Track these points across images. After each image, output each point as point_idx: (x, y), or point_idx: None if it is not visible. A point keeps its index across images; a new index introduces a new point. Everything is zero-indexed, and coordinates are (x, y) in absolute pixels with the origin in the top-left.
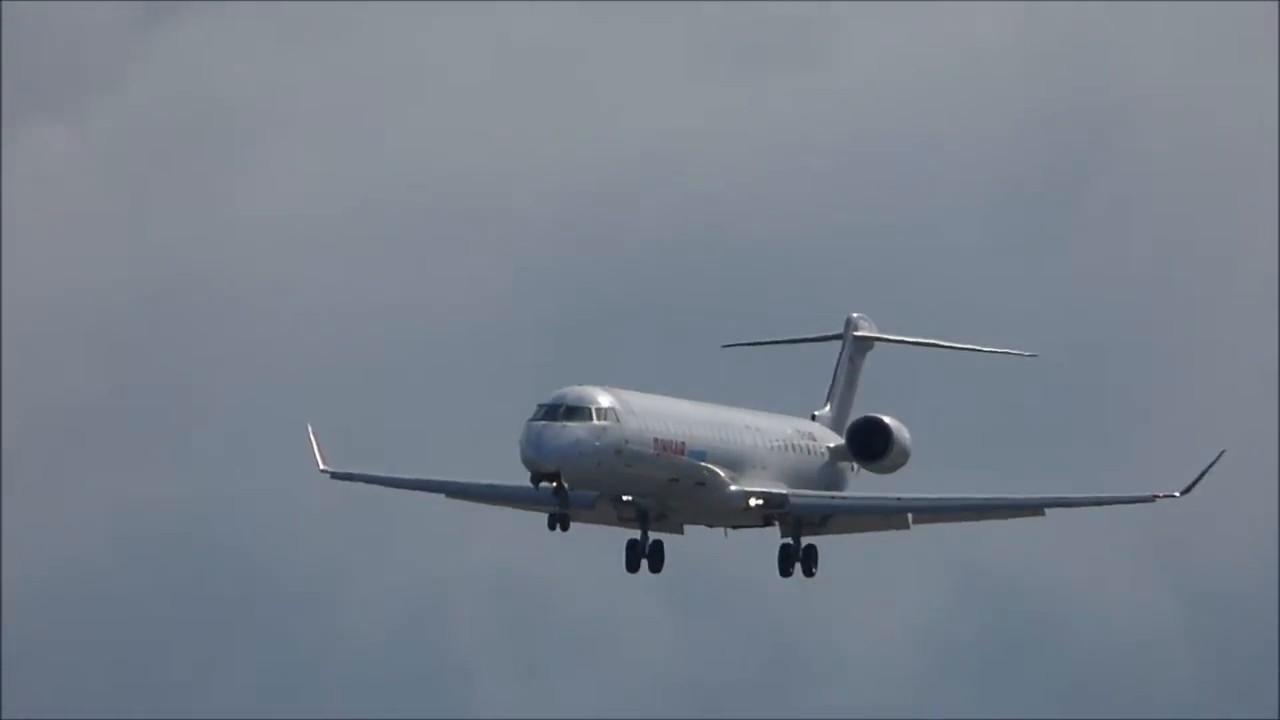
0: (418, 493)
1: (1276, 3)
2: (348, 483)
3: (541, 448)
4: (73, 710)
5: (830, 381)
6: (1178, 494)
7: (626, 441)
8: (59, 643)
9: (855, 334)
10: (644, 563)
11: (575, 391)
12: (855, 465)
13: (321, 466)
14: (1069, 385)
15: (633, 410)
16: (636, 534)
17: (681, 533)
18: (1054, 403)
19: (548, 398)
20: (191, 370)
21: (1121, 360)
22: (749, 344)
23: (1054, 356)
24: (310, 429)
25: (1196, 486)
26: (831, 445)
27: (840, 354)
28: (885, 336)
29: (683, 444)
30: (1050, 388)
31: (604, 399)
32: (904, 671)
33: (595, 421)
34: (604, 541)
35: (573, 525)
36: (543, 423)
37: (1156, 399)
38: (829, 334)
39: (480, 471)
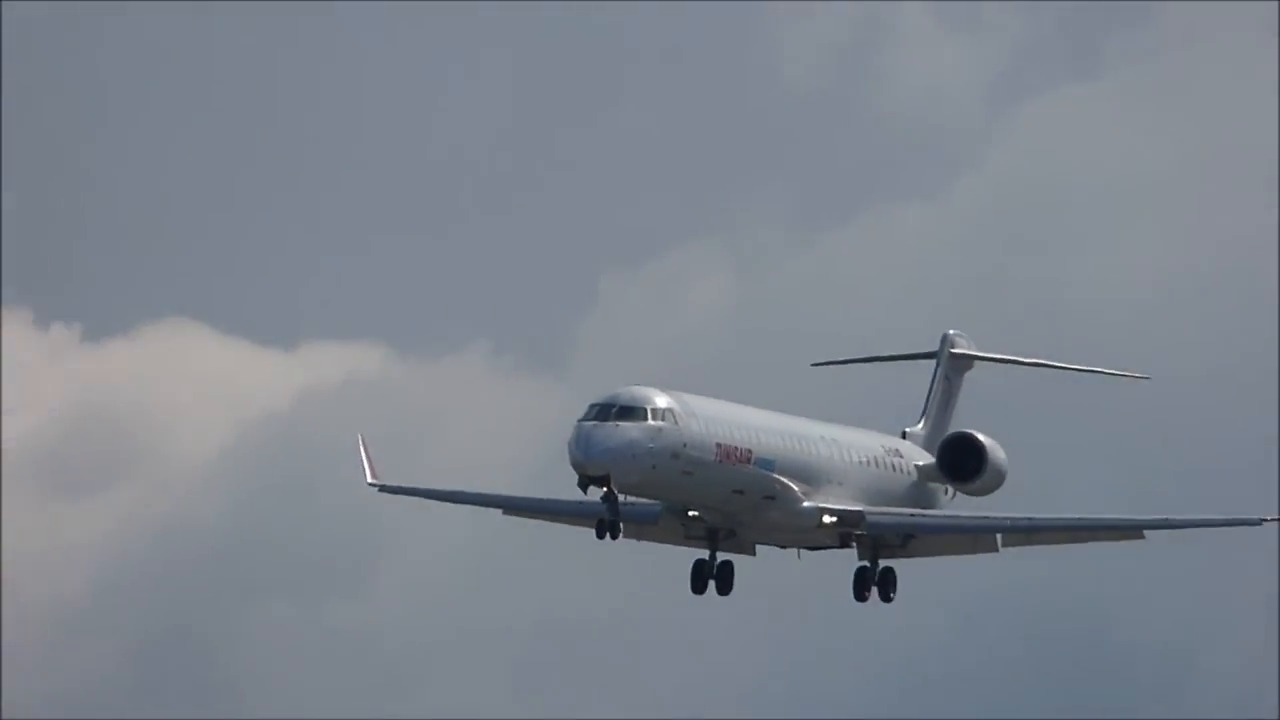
0: (471, 507)
1: (1277, 2)
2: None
3: (590, 449)
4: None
5: (925, 400)
6: None
7: (685, 445)
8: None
9: (952, 351)
10: (711, 584)
11: (630, 391)
12: (948, 488)
13: (370, 479)
14: (1182, 409)
15: (694, 413)
16: (705, 553)
17: (753, 553)
18: (1165, 428)
19: (600, 397)
20: None
21: (1239, 385)
22: (839, 362)
23: (1167, 379)
24: (361, 439)
25: None
26: (920, 464)
27: (935, 372)
28: (984, 355)
29: (749, 452)
30: (1163, 412)
31: (661, 399)
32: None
33: (650, 422)
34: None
35: (638, 543)
36: (593, 423)
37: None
38: (924, 351)
39: (537, 486)
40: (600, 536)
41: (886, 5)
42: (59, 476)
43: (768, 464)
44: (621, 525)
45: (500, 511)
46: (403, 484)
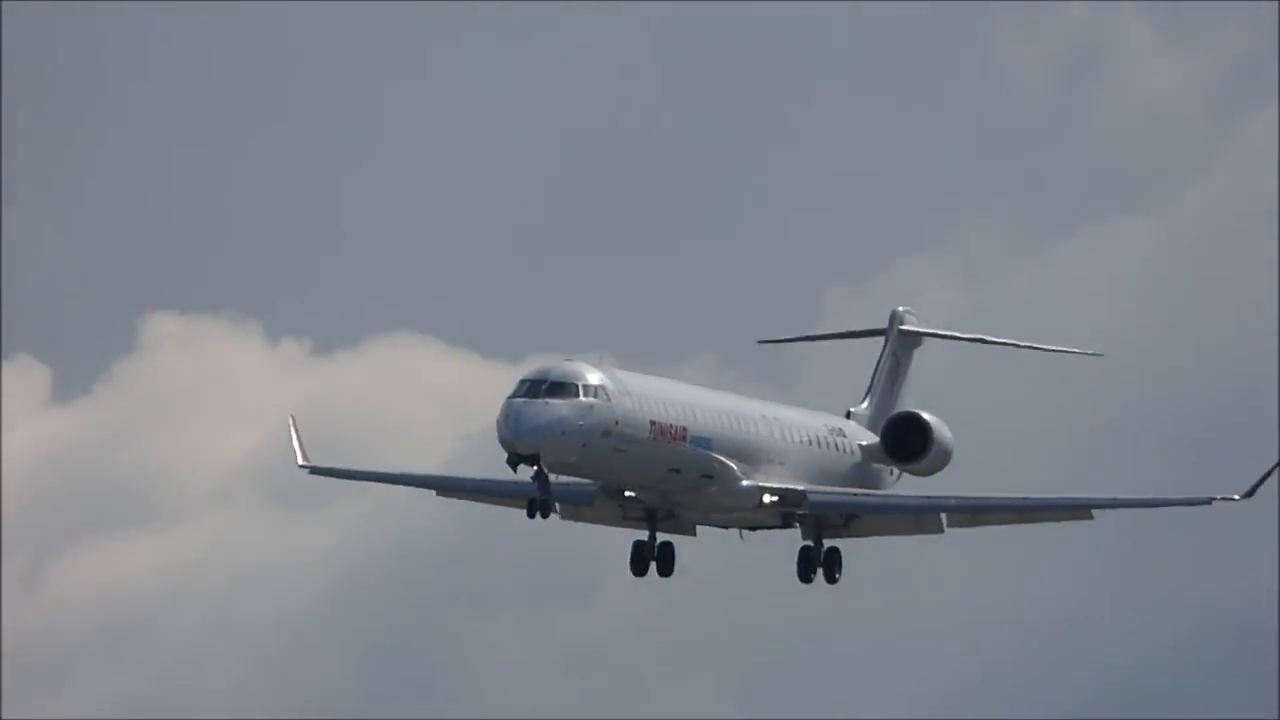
0: (405, 489)
1: (1277, 2)
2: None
3: (519, 426)
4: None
5: (870, 379)
6: (1237, 497)
7: (617, 423)
8: None
9: (900, 328)
10: (652, 565)
11: (561, 367)
12: (895, 469)
13: (300, 461)
14: (1136, 387)
15: (628, 390)
16: (644, 535)
17: (694, 534)
18: (1118, 406)
19: (531, 372)
20: None
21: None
22: (786, 340)
23: (1120, 356)
24: (292, 420)
25: (1260, 489)
26: (864, 443)
27: (883, 350)
28: (934, 332)
29: (684, 429)
30: (1116, 390)
31: (594, 376)
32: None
33: (581, 399)
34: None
35: (575, 525)
36: (523, 400)
37: (1225, 402)
38: (872, 329)
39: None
40: (531, 516)
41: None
42: (285, 491)
43: (704, 442)
44: (554, 505)
45: (434, 493)
46: (333, 465)
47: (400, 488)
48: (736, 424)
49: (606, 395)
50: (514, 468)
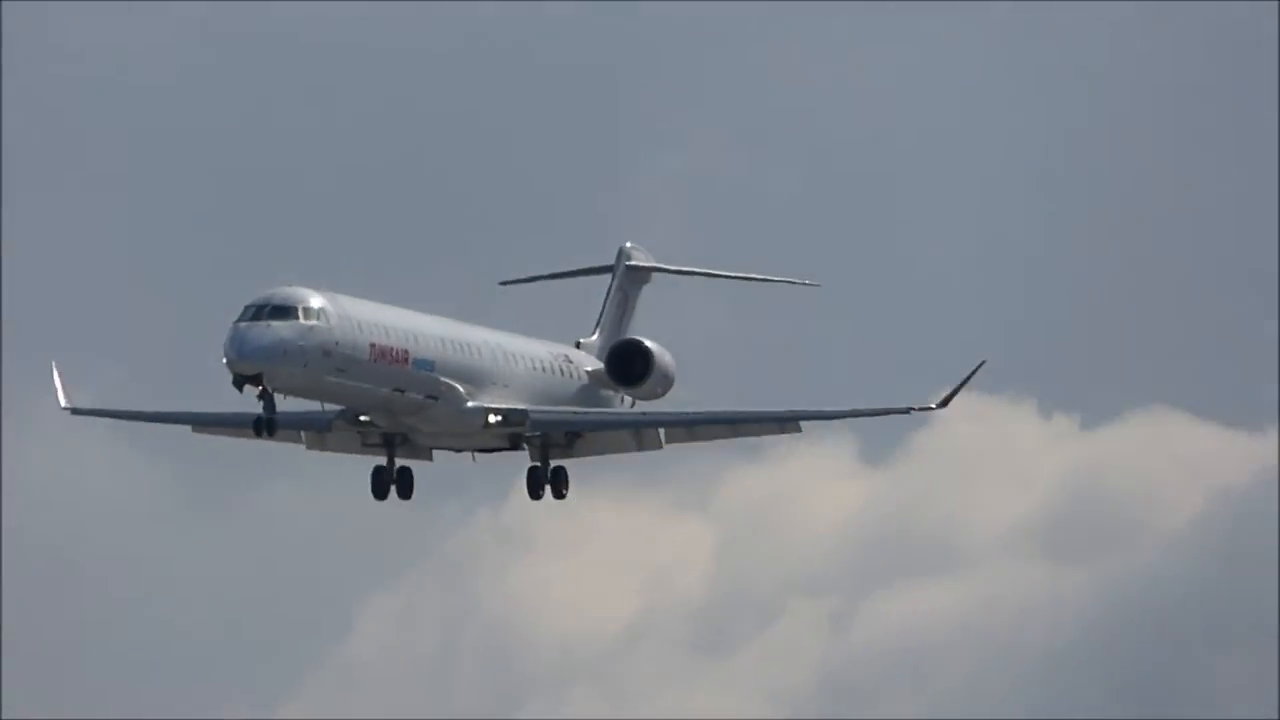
0: (163, 426)
1: (1276, 2)
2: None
3: (242, 348)
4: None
5: (599, 312)
6: (934, 406)
7: (337, 344)
8: None
9: (627, 264)
10: (393, 490)
11: (284, 291)
12: (624, 396)
13: (63, 404)
14: (852, 314)
15: (348, 314)
16: (383, 460)
17: (430, 459)
18: (837, 333)
19: (255, 298)
20: None
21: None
22: (525, 280)
23: (837, 286)
24: (54, 365)
25: (955, 399)
26: (590, 369)
27: (610, 284)
28: (660, 266)
29: (405, 352)
30: (835, 318)
31: (316, 300)
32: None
33: (302, 321)
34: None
35: (314, 454)
36: (246, 323)
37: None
38: (600, 265)
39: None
40: (258, 434)
41: None
42: (1058, 545)
43: (427, 364)
44: (278, 423)
45: (189, 429)
46: (97, 406)
47: None
48: (460, 349)
49: (327, 318)
50: (239, 388)
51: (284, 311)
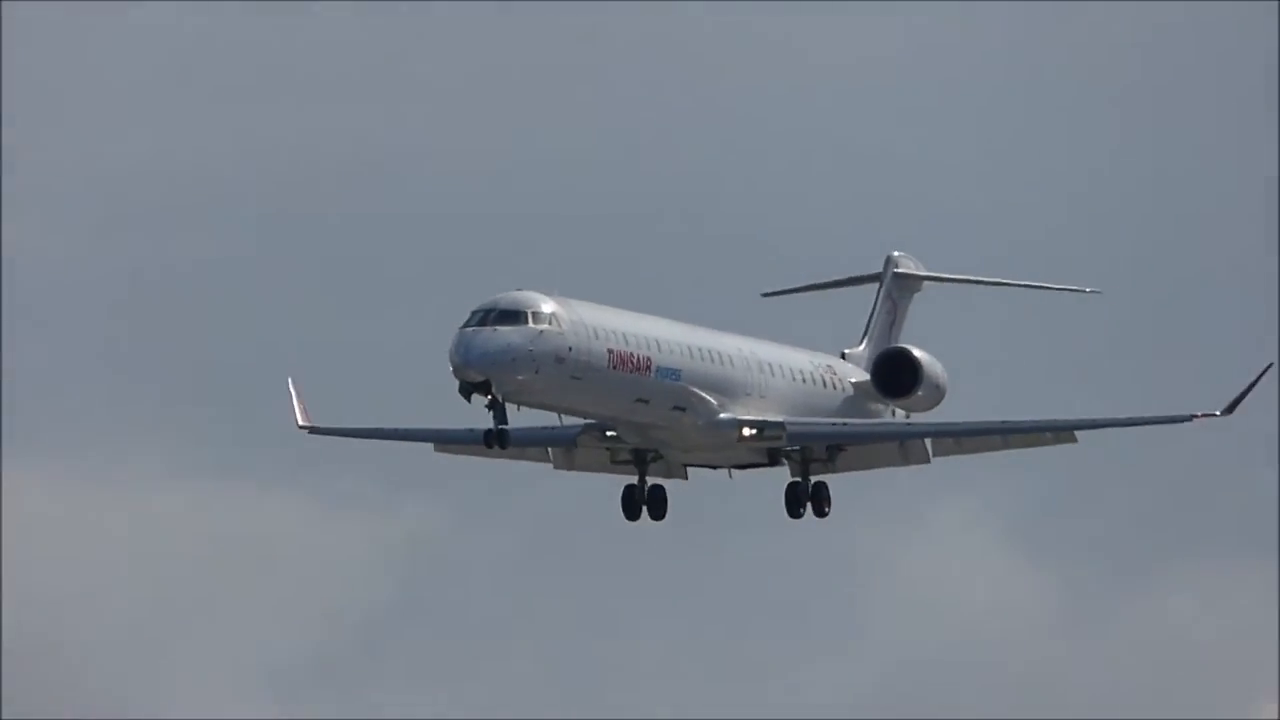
0: (403, 444)
1: (1276, 2)
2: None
3: (468, 354)
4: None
5: (866, 321)
6: (1218, 413)
7: (570, 349)
8: None
9: (895, 271)
10: (645, 511)
11: (511, 295)
12: (894, 408)
13: (301, 422)
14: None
15: (583, 320)
16: (634, 479)
17: (685, 477)
18: (1115, 342)
19: (482, 302)
20: None
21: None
22: (788, 291)
23: (1118, 293)
24: (290, 382)
25: (1241, 404)
26: (855, 380)
27: (878, 293)
28: (928, 274)
29: (648, 360)
30: (1113, 326)
31: (547, 305)
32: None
33: (531, 326)
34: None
35: (564, 474)
36: (473, 328)
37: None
38: (868, 274)
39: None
40: (488, 446)
41: None
42: None
43: (672, 374)
44: (509, 436)
45: (432, 447)
46: (332, 425)
47: None
48: (709, 357)
49: (558, 323)
50: (467, 397)
51: (513, 316)
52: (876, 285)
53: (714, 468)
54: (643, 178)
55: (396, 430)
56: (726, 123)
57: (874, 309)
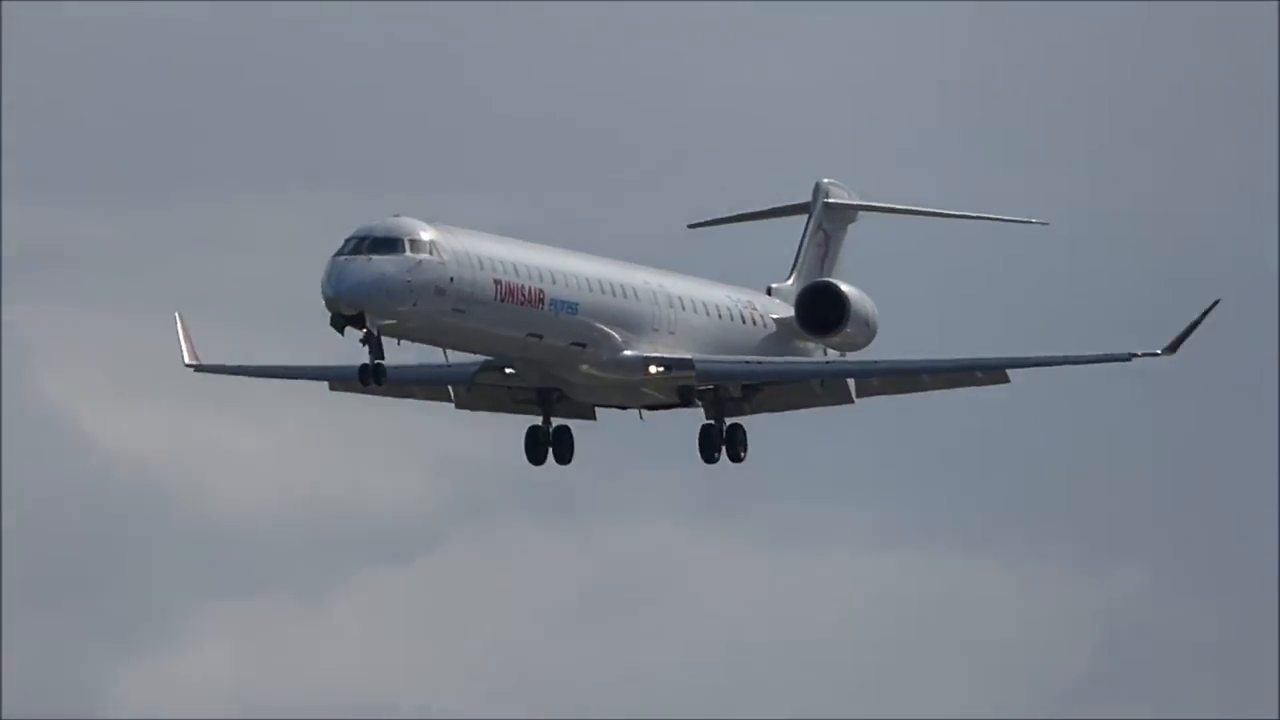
0: (296, 382)
1: (1276, 2)
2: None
3: (340, 284)
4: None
5: (795, 255)
6: (1159, 352)
7: (452, 280)
8: None
9: (826, 201)
10: (550, 453)
11: (388, 222)
12: (823, 347)
13: (188, 360)
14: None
15: (467, 249)
16: (538, 419)
17: (593, 417)
18: (1060, 277)
19: (356, 229)
20: None
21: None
22: (714, 222)
23: (1064, 225)
24: (179, 317)
25: (1185, 343)
26: (778, 316)
27: (807, 224)
28: (863, 204)
29: (540, 292)
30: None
31: (426, 232)
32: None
33: (409, 254)
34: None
35: (464, 413)
36: (345, 256)
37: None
38: (795, 204)
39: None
40: (364, 383)
41: None
42: None
43: (568, 307)
44: (385, 370)
45: (326, 386)
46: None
47: None
48: (610, 289)
49: (438, 251)
50: (340, 330)
51: (388, 244)
52: (806, 216)
53: (624, 408)
54: (564, 97)
55: (288, 369)
56: (654, 48)
57: (803, 241)
